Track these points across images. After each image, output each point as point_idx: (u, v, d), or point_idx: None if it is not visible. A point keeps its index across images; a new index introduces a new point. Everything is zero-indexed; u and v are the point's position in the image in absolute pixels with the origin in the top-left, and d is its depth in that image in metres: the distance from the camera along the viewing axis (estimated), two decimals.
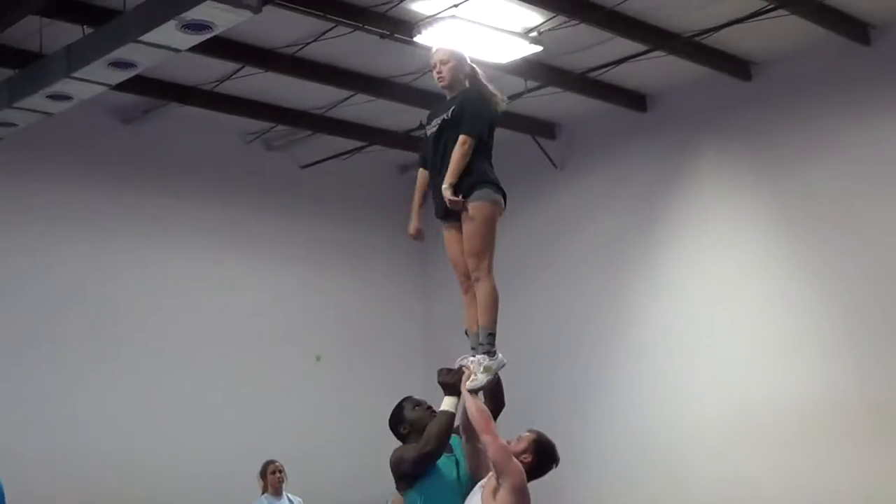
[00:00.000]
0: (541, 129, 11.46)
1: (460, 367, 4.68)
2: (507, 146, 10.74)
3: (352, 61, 9.39)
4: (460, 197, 4.67)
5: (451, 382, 4.62)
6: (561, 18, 8.43)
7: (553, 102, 10.48)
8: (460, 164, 4.68)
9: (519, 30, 8.59)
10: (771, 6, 8.33)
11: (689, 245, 10.39)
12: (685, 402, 10.17)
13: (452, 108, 4.82)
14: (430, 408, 4.68)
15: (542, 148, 11.44)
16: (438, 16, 8.02)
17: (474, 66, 5.03)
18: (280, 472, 8.98)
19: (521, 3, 8.04)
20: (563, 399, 11.07)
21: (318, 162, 11.77)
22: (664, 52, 9.20)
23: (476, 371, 4.63)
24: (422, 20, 8.11)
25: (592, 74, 9.83)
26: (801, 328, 9.48)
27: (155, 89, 9.63)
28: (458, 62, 4.96)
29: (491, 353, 4.67)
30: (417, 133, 4.85)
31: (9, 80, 8.00)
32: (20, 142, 9.04)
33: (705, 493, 9.85)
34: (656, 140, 10.71)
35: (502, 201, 4.80)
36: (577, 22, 8.45)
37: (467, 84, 4.95)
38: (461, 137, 4.71)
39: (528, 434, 4.61)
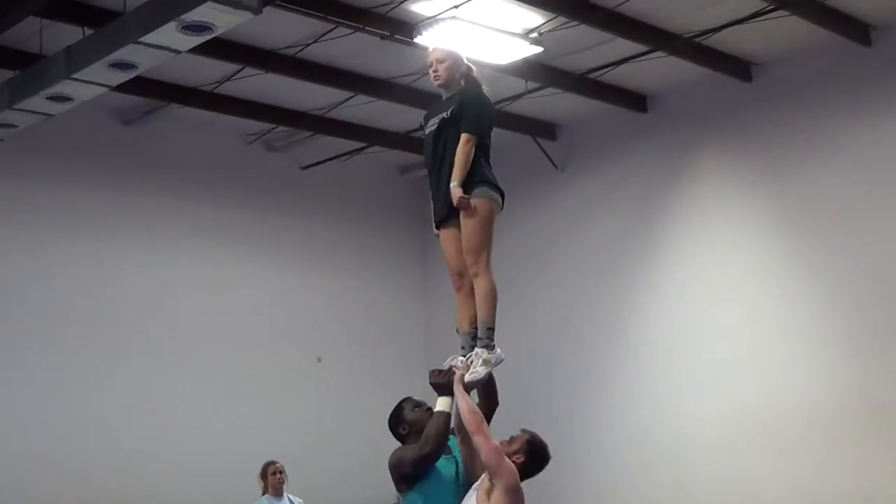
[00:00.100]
0: (541, 129, 11.46)
1: (450, 368, 4.69)
2: (508, 147, 10.83)
3: (352, 62, 9.39)
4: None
5: (442, 383, 4.62)
6: (561, 19, 8.43)
7: (553, 103, 10.48)
8: (466, 163, 4.71)
9: (519, 31, 8.59)
10: (771, 7, 8.32)
11: (689, 245, 10.39)
12: (685, 402, 10.17)
13: (452, 107, 4.84)
14: (429, 409, 4.69)
15: (542, 149, 11.44)
16: (439, 17, 8.01)
17: (470, 65, 5.05)
18: (280, 472, 8.99)
19: (521, 4, 8.03)
20: (563, 399, 11.07)
21: (318, 163, 11.77)
22: (665, 52, 9.19)
23: (475, 364, 4.64)
24: (422, 21, 8.10)
25: (593, 75, 9.82)
26: (802, 329, 9.47)
27: (155, 90, 9.63)
28: (454, 61, 4.98)
29: (490, 346, 4.69)
30: (418, 134, 4.84)
31: (9, 82, 7.99)
32: (20, 143, 9.05)
33: (705, 492, 9.85)
34: (657, 141, 10.71)
35: (500, 200, 4.84)
36: (577, 23, 8.44)
37: (463, 83, 4.97)
38: (464, 136, 4.74)
39: (520, 434, 4.62)
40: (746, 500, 9.54)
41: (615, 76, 9.96)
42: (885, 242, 8.99)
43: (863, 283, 9.11)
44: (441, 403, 4.58)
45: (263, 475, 9.04)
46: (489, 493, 4.30)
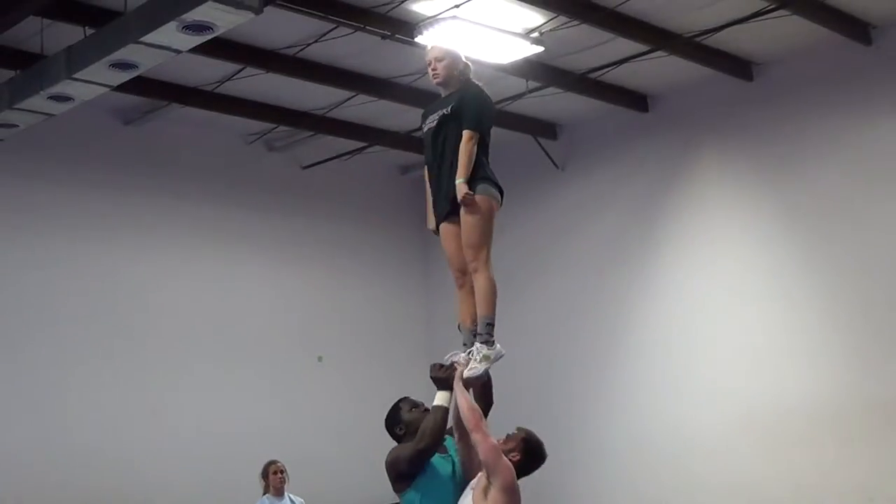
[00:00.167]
0: (542, 129, 11.46)
1: (452, 363, 4.68)
2: (509, 146, 10.85)
3: (353, 62, 9.39)
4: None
5: (443, 378, 4.61)
6: (562, 19, 8.43)
7: (554, 103, 10.48)
8: (470, 160, 4.72)
9: (520, 30, 8.59)
10: (772, 6, 8.33)
11: (690, 245, 10.39)
12: (685, 401, 10.17)
13: (452, 104, 4.86)
14: (426, 409, 4.67)
15: (543, 148, 11.44)
16: (439, 16, 8.01)
17: (468, 63, 5.06)
18: (282, 472, 8.98)
19: (522, 3, 8.04)
20: (562, 398, 11.08)
21: (319, 162, 11.77)
22: (665, 52, 9.19)
23: (474, 360, 4.64)
24: (423, 21, 8.10)
25: (594, 75, 9.82)
26: (803, 327, 9.47)
27: (156, 90, 9.63)
28: (452, 60, 5.00)
29: (489, 342, 4.69)
30: (418, 134, 4.85)
31: (10, 81, 7.99)
32: (21, 143, 9.05)
33: (706, 492, 9.85)
34: (657, 140, 10.71)
35: (500, 197, 4.86)
36: (578, 22, 8.44)
37: (460, 81, 4.98)
38: (466, 133, 4.76)
39: (516, 432, 4.62)
40: (747, 500, 9.54)
41: (616, 76, 9.96)
42: (886, 241, 8.99)
43: (864, 282, 9.11)
44: (439, 398, 4.57)
45: (264, 475, 9.03)
46: (486, 491, 4.30)
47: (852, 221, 9.23)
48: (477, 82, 5.04)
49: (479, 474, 4.43)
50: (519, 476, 4.45)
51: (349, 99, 10.17)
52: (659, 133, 10.70)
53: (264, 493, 9.00)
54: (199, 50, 7.37)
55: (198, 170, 11.04)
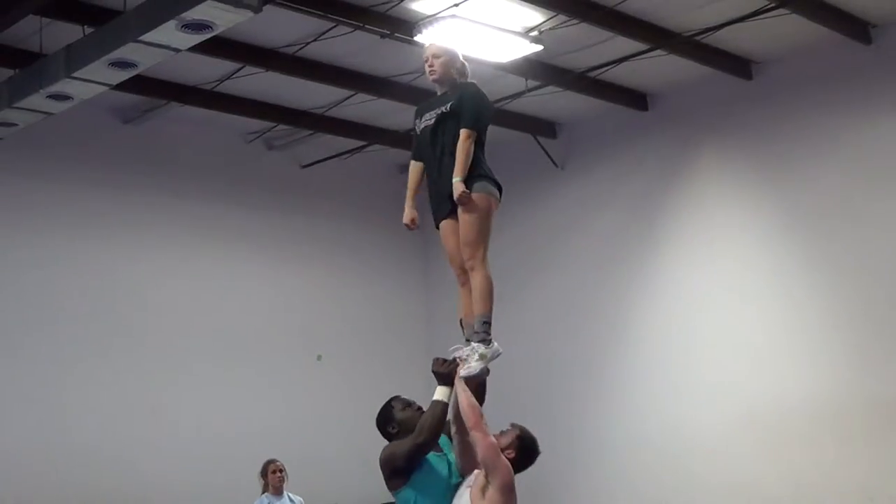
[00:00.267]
0: (541, 128, 11.46)
1: (454, 359, 4.67)
2: (508, 145, 10.86)
3: (352, 61, 9.39)
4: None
5: (444, 372, 4.59)
6: (561, 17, 8.43)
7: (554, 101, 10.48)
8: (468, 158, 4.72)
9: (519, 29, 8.59)
10: (771, 5, 8.32)
11: (689, 243, 10.39)
12: (685, 400, 10.16)
13: (451, 102, 4.86)
14: (420, 408, 4.67)
15: (542, 147, 11.44)
16: (439, 15, 8.02)
17: (465, 63, 5.07)
18: (281, 471, 8.98)
19: (521, 2, 8.04)
20: (561, 397, 11.08)
21: (318, 161, 11.77)
22: (665, 51, 9.19)
23: (471, 358, 4.62)
24: (422, 20, 8.10)
25: (593, 73, 9.82)
26: (804, 326, 9.47)
27: (155, 89, 9.63)
28: (450, 58, 5.01)
29: (486, 341, 4.67)
30: (412, 132, 4.89)
31: (9, 80, 8.00)
32: (21, 141, 9.05)
33: (706, 492, 9.85)
34: (657, 139, 10.71)
35: (498, 194, 4.86)
36: (577, 21, 8.44)
37: (457, 79, 4.98)
38: (464, 131, 4.75)
39: (510, 429, 4.63)
40: (747, 500, 9.54)
41: (615, 74, 9.96)
42: (887, 239, 8.99)
43: (864, 280, 9.11)
44: (439, 393, 4.55)
45: (263, 473, 9.03)
46: (484, 490, 4.30)
47: (852, 220, 9.22)
48: (473, 81, 5.04)
49: (476, 472, 4.43)
50: (514, 472, 4.45)
51: (348, 98, 10.17)
52: (658, 132, 10.69)
53: (263, 492, 8.99)
54: (199, 49, 7.37)
55: (197, 168, 11.04)
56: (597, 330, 11.01)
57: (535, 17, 8.44)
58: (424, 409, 4.62)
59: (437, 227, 4.99)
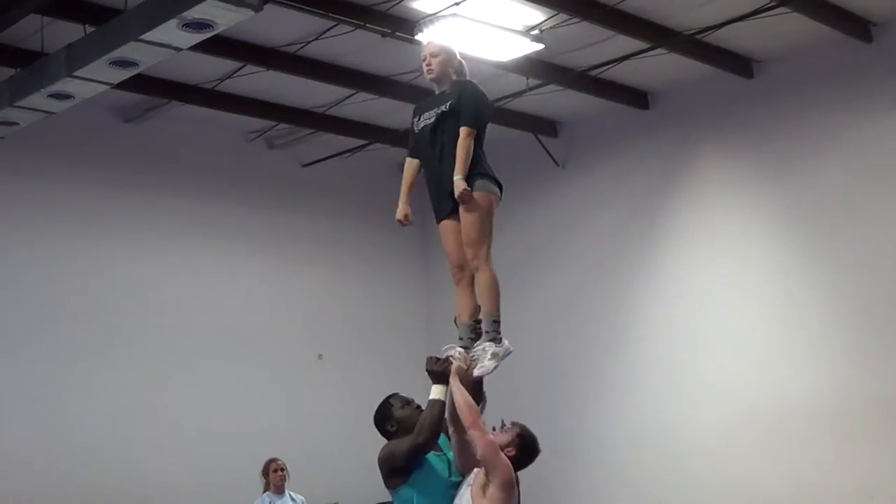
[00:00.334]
0: (542, 126, 11.46)
1: (447, 357, 4.67)
2: (509, 144, 10.85)
3: (353, 60, 9.39)
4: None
5: (439, 371, 4.59)
6: (562, 16, 8.42)
7: (554, 100, 10.48)
8: (468, 156, 4.73)
9: (520, 28, 8.58)
10: (772, 4, 8.32)
11: (690, 242, 10.39)
12: (685, 399, 10.16)
13: (450, 100, 4.86)
14: (418, 406, 4.67)
15: (543, 146, 11.44)
16: (440, 14, 8.02)
17: (462, 61, 5.07)
18: (282, 470, 8.99)
19: (522, 0, 8.04)
20: (561, 397, 11.07)
21: (319, 160, 11.77)
22: (666, 49, 9.19)
23: (483, 357, 4.64)
24: (423, 18, 8.10)
25: (594, 72, 9.82)
26: (804, 325, 9.47)
27: (156, 88, 9.64)
28: (447, 56, 5.02)
29: (497, 339, 4.70)
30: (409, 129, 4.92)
31: (10, 79, 7.99)
32: (21, 140, 9.05)
33: (706, 491, 9.85)
34: (658, 137, 10.71)
35: (499, 192, 4.87)
36: (578, 20, 8.44)
37: (455, 78, 4.99)
38: (464, 129, 4.76)
39: (510, 427, 4.63)
40: (747, 499, 9.53)
41: (616, 73, 9.96)
42: (887, 238, 8.99)
43: (865, 279, 9.11)
44: (435, 391, 4.55)
45: (265, 472, 9.04)
46: (484, 488, 4.30)
47: (853, 218, 9.22)
48: (471, 79, 5.04)
49: (476, 471, 4.43)
50: (514, 470, 4.46)
51: (349, 97, 10.17)
52: (659, 130, 10.69)
53: (265, 491, 9.01)
54: (200, 47, 7.36)
55: (198, 167, 11.04)
56: (597, 329, 11.01)
57: (536, 15, 8.44)
58: (423, 406, 4.61)
59: (438, 225, 4.99)
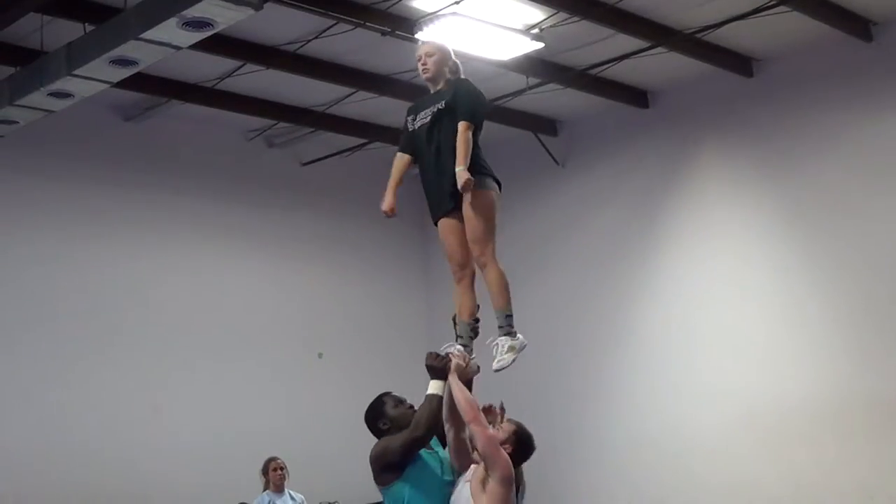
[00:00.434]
0: (542, 125, 11.46)
1: (447, 354, 4.67)
2: (509, 143, 10.86)
3: (353, 58, 9.39)
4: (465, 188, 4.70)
5: (438, 367, 4.58)
6: (562, 15, 8.42)
7: (554, 99, 10.48)
8: (468, 149, 4.72)
9: (520, 26, 8.58)
10: (772, 2, 8.33)
11: (690, 241, 10.39)
12: (685, 399, 10.16)
13: (446, 98, 4.87)
14: (411, 406, 4.66)
15: (543, 144, 11.44)
16: (440, 13, 8.02)
17: (457, 62, 5.08)
18: (282, 469, 9.00)
19: None
20: (561, 395, 11.07)
21: (319, 159, 11.77)
22: (666, 48, 9.19)
23: (500, 352, 4.69)
24: (423, 17, 8.11)
25: (594, 71, 9.82)
26: (804, 324, 9.47)
27: (156, 87, 9.63)
28: (443, 56, 5.03)
29: (512, 333, 4.74)
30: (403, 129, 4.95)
31: (10, 78, 7.99)
32: (21, 139, 9.04)
33: (705, 491, 9.84)
34: (658, 136, 10.71)
35: (498, 189, 4.89)
36: (578, 18, 8.45)
37: (450, 77, 5.00)
38: (462, 124, 4.76)
39: (507, 424, 4.65)
40: (747, 499, 9.53)
41: (616, 72, 9.96)
42: (888, 236, 8.99)
43: (865, 277, 9.11)
44: (433, 387, 4.54)
45: (265, 471, 9.05)
46: (483, 482, 4.31)
47: (853, 217, 9.23)
48: (466, 77, 5.05)
49: (474, 467, 4.44)
50: None
51: (349, 95, 10.17)
52: (659, 129, 10.69)
53: (264, 490, 9.01)
54: (199, 46, 7.36)
55: (198, 166, 11.04)
56: (597, 328, 11.01)
57: (536, 14, 8.44)
58: (416, 407, 4.61)
59: (436, 224, 4.99)
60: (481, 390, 4.81)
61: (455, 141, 4.74)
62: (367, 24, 8.28)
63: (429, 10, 8.08)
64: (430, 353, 4.67)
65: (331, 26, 8.47)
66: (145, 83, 9.24)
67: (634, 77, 10.31)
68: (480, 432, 4.35)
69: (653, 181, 10.72)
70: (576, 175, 11.43)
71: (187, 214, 10.89)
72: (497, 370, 4.65)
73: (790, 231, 9.66)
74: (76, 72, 7.21)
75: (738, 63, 9.82)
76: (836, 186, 9.34)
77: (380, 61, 9.46)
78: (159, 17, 6.46)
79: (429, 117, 4.89)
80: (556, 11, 8.37)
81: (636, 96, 10.71)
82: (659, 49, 9.18)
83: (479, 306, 4.89)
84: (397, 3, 8.07)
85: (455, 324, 4.90)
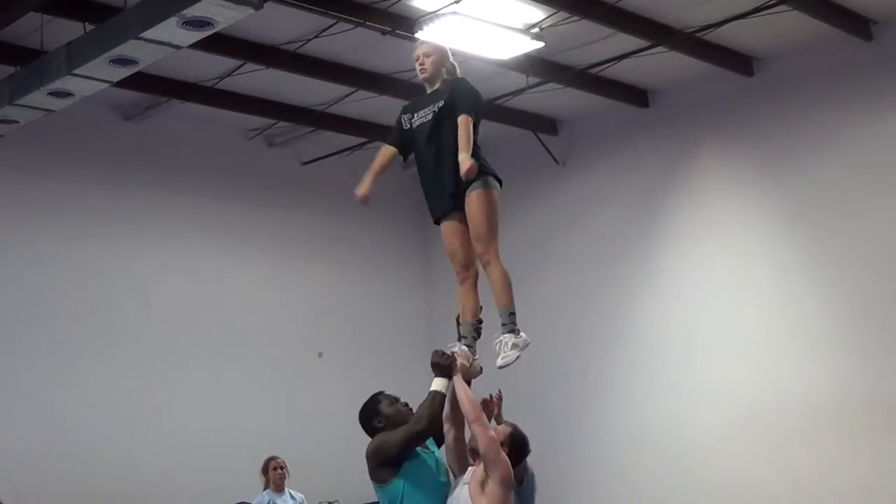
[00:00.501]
0: (542, 124, 11.46)
1: (452, 353, 4.68)
2: (509, 142, 10.86)
3: (353, 57, 9.39)
4: (466, 190, 4.74)
5: (443, 365, 4.58)
6: (562, 14, 8.42)
7: (554, 98, 10.48)
8: (470, 138, 4.72)
9: (520, 26, 8.58)
10: (773, 2, 8.33)
11: (690, 240, 10.39)
12: (685, 398, 10.16)
13: (444, 97, 4.89)
14: (406, 404, 4.67)
15: (543, 144, 11.44)
16: (440, 12, 8.02)
17: (455, 63, 5.11)
18: (282, 468, 9.00)
19: None
20: (561, 395, 11.07)
21: (319, 158, 11.76)
22: (666, 47, 9.19)
23: (504, 349, 4.71)
24: (423, 16, 8.10)
25: (594, 70, 9.82)
26: (804, 323, 9.47)
27: (156, 86, 9.63)
28: (440, 56, 5.07)
29: (515, 331, 4.77)
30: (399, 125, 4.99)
31: (10, 77, 7.99)
32: (21, 138, 9.04)
33: (705, 491, 9.84)
34: (658, 136, 10.71)
35: (500, 188, 4.89)
36: (578, 18, 8.45)
37: (446, 77, 5.02)
38: (463, 116, 4.77)
39: (502, 427, 4.71)
40: (747, 498, 9.53)
41: (616, 71, 9.96)
42: (888, 235, 8.99)
43: (865, 276, 9.11)
44: (437, 384, 4.54)
45: (265, 470, 9.05)
46: (483, 484, 4.31)
47: (853, 216, 9.23)
48: (464, 77, 5.06)
49: (472, 468, 4.45)
50: None
51: (349, 95, 10.17)
52: (659, 128, 10.69)
53: (264, 489, 9.01)
54: (199, 45, 7.36)
55: (198, 166, 11.04)
56: (597, 327, 11.01)
57: (537, 13, 8.44)
58: (410, 405, 4.63)
59: (437, 224, 4.99)
60: (482, 389, 4.82)
61: (454, 141, 4.74)
62: (367, 23, 8.27)
63: (429, 9, 8.08)
64: (436, 351, 4.68)
65: (331, 25, 8.47)
66: (145, 82, 9.24)
67: (634, 76, 10.31)
68: (483, 433, 4.36)
69: (653, 180, 10.72)
70: (576, 174, 11.43)
71: (187, 214, 10.89)
72: (501, 367, 4.67)
73: (790, 230, 9.66)
74: (76, 71, 7.21)
75: (739, 62, 9.82)
76: (837, 185, 9.34)
77: (380, 60, 9.46)
78: (159, 16, 6.46)
79: (429, 117, 4.90)
80: (556, 11, 8.37)
81: (636, 95, 10.71)
82: (659, 48, 9.18)
83: (482, 307, 4.90)
84: (397, 2, 8.07)
85: (458, 324, 4.91)
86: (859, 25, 9.01)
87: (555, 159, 11.50)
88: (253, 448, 9.71)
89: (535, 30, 8.62)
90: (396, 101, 9.99)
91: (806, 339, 9.42)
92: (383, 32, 8.45)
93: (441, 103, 4.87)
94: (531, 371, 10.89)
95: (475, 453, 4.45)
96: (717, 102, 10.21)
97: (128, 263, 10.39)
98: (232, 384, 10.83)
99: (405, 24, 8.25)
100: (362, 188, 5.00)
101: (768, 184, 9.85)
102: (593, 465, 10.83)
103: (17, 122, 8.32)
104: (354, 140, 11.39)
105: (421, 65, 5.04)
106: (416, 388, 4.97)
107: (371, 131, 11.19)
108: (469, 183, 4.73)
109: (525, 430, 4.90)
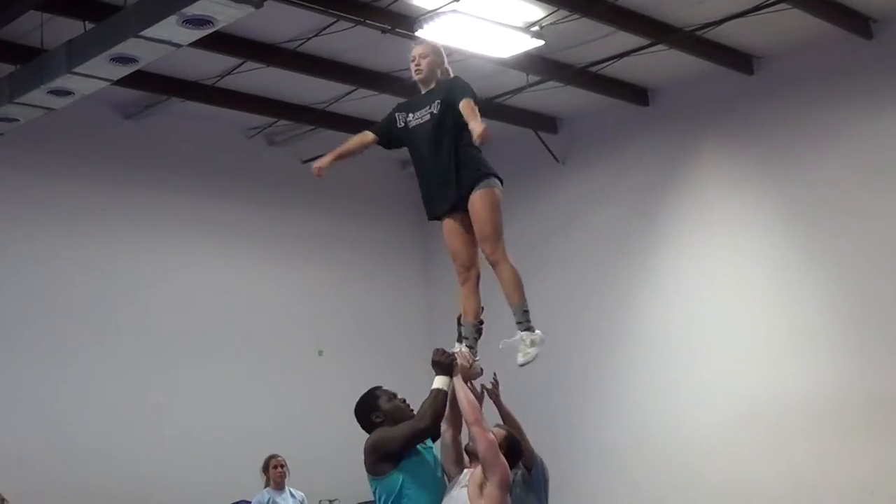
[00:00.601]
0: (542, 123, 11.46)
1: (454, 353, 4.69)
2: (509, 140, 10.86)
3: (353, 56, 9.39)
4: (468, 192, 4.78)
5: (445, 363, 4.59)
6: (562, 13, 8.43)
7: (555, 96, 10.48)
8: (477, 113, 4.70)
9: (520, 24, 8.58)
10: (773, 0, 8.32)
11: (690, 238, 10.39)
12: (685, 397, 10.16)
13: (440, 97, 4.91)
14: (403, 400, 4.67)
15: (543, 142, 11.44)
16: (440, 10, 8.02)
17: (449, 68, 5.15)
18: (282, 466, 9.00)
19: None
20: (561, 394, 11.06)
21: (319, 156, 11.67)
22: (666, 46, 9.19)
23: (524, 347, 4.75)
24: (423, 15, 8.11)
25: (594, 68, 9.82)
26: (804, 322, 9.47)
27: (156, 84, 9.63)
28: (436, 57, 5.13)
29: (531, 328, 4.81)
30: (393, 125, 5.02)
31: (10, 76, 8.00)
32: (21, 137, 9.04)
33: (705, 490, 9.85)
34: (658, 134, 10.71)
35: (501, 187, 4.91)
36: (578, 16, 8.45)
37: (441, 78, 5.07)
38: (464, 101, 4.76)
39: (497, 430, 4.76)
40: (747, 497, 9.53)
41: (616, 69, 9.96)
42: (888, 234, 8.99)
43: (866, 275, 9.11)
44: (439, 382, 4.54)
45: (265, 468, 9.05)
46: (481, 486, 4.32)
47: (854, 214, 9.23)
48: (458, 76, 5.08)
49: (469, 470, 4.47)
50: None
51: (350, 93, 10.17)
52: (659, 127, 10.69)
53: (265, 487, 9.01)
54: (200, 44, 7.37)
55: (198, 164, 11.04)
56: (596, 326, 11.00)
57: (537, 12, 8.44)
58: (407, 401, 4.64)
59: (438, 220, 4.99)
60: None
61: (454, 141, 4.77)
62: (368, 21, 8.28)
63: (429, 7, 8.08)
64: (437, 350, 4.69)
65: (331, 24, 8.47)
66: (145, 81, 9.24)
67: (635, 75, 10.31)
68: (482, 435, 4.37)
69: (653, 179, 10.72)
70: (576, 172, 11.43)
71: (187, 212, 10.89)
72: (522, 364, 4.72)
73: (790, 229, 9.66)
74: (76, 69, 7.22)
75: (739, 60, 9.82)
76: (837, 184, 9.34)
77: (380, 59, 9.46)
78: (159, 14, 6.47)
79: (427, 117, 4.90)
80: (556, 9, 8.37)
81: (636, 94, 10.71)
82: (659, 46, 9.18)
83: (483, 308, 4.90)
84: (397, 0, 8.07)
85: (460, 324, 4.91)
86: (859, 24, 9.02)
87: (555, 158, 11.50)
88: (253, 446, 9.70)
89: (535, 28, 8.62)
90: (396, 99, 9.88)
91: (806, 338, 9.42)
92: (383, 31, 8.45)
93: (439, 103, 4.87)
94: (531, 370, 10.92)
95: (473, 455, 4.45)
96: (717, 101, 10.21)
97: (127, 261, 10.39)
98: (232, 382, 10.83)
99: (405, 22, 8.25)
100: (321, 161, 5.08)
101: (768, 182, 9.85)
102: (593, 464, 10.83)
103: (18, 120, 8.33)
104: None
105: (416, 65, 5.07)
106: (417, 385, 4.97)
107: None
108: (472, 185, 4.72)
109: (525, 429, 4.92)
